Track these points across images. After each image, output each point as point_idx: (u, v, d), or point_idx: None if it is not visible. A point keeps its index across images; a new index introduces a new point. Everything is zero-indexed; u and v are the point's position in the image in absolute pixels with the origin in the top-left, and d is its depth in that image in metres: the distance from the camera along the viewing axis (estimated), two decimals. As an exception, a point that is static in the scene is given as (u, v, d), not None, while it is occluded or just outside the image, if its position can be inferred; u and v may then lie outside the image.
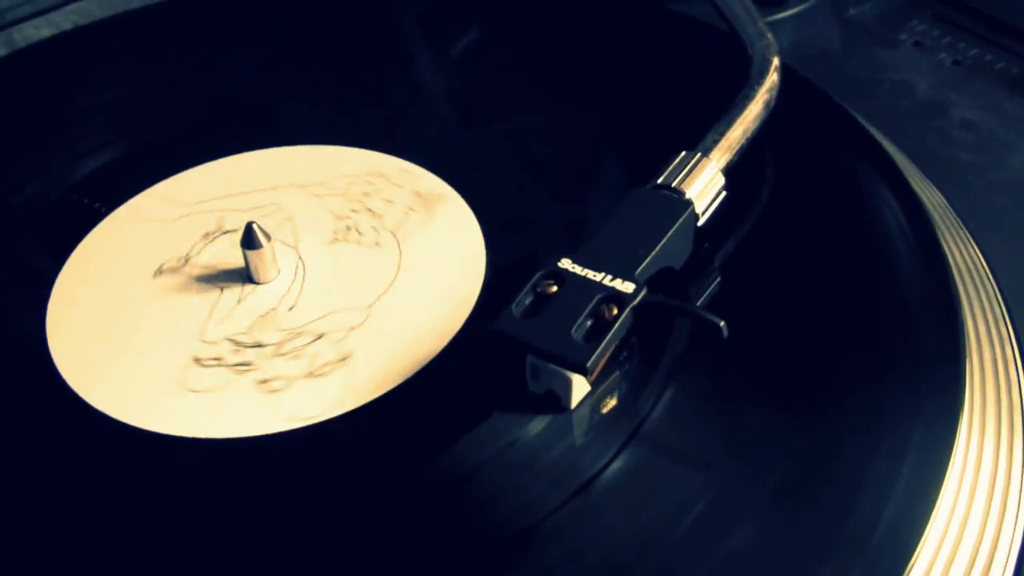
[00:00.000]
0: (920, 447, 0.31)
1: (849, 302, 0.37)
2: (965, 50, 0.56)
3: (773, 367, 0.35)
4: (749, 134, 0.40)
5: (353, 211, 0.42)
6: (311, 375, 0.35)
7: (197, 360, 0.36)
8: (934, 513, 0.29)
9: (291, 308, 0.38)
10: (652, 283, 0.33)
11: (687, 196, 0.36)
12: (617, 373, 0.34)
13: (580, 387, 0.32)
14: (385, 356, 0.35)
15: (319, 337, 0.36)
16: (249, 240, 0.38)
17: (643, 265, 0.33)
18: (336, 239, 0.41)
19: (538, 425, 0.32)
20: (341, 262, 0.40)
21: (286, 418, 0.34)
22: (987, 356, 0.37)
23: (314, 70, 0.53)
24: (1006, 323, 0.39)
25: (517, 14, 0.58)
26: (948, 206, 0.45)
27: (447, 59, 0.54)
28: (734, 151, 0.39)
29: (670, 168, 0.37)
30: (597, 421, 0.33)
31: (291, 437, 0.33)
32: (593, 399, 0.33)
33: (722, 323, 0.31)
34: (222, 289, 0.39)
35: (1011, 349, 0.37)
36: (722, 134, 0.39)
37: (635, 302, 0.32)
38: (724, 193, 0.38)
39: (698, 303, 0.37)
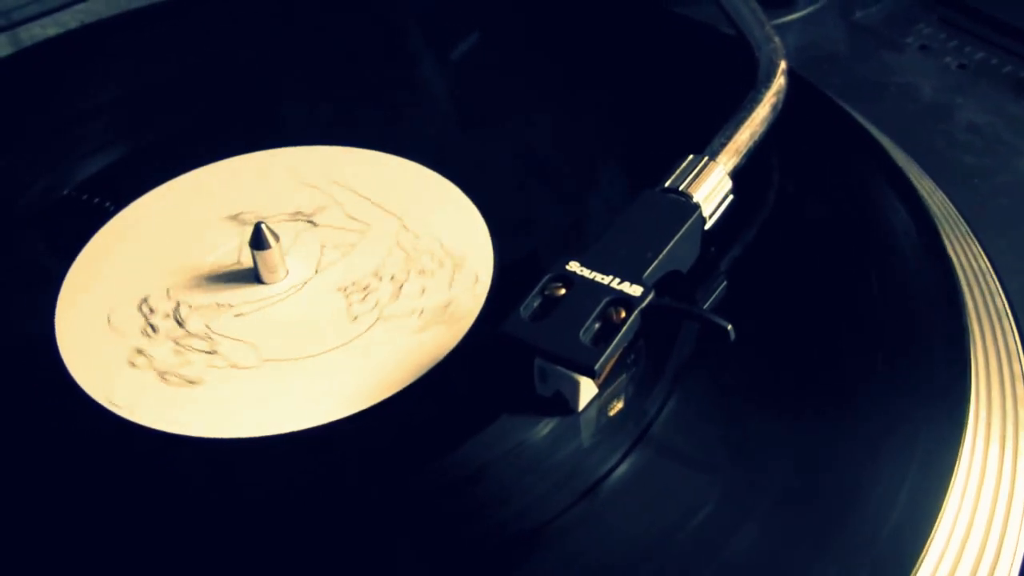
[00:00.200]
0: (925, 450, 0.31)
1: (854, 305, 0.37)
2: (971, 53, 0.56)
3: (778, 370, 0.35)
4: (756, 137, 0.40)
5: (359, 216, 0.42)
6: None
7: (205, 360, 0.36)
8: (939, 517, 0.29)
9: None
10: (659, 286, 0.33)
11: (694, 200, 0.36)
12: (624, 376, 0.34)
13: (588, 389, 0.33)
14: (393, 358, 0.36)
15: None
16: (258, 241, 0.38)
17: (651, 268, 0.34)
18: (344, 239, 0.41)
19: (545, 427, 0.33)
20: (350, 262, 0.40)
21: (294, 418, 0.34)
22: (992, 360, 0.37)
23: (322, 71, 0.53)
24: (1011, 326, 0.39)
25: (526, 17, 0.58)
26: (953, 209, 0.45)
27: (454, 61, 0.54)
28: (741, 154, 0.39)
29: (677, 171, 0.37)
30: (604, 423, 0.33)
31: (298, 438, 0.33)
32: (600, 401, 0.33)
33: (729, 326, 0.31)
34: (231, 289, 0.39)
35: (1016, 352, 0.38)
36: (729, 137, 0.39)
37: (643, 305, 0.32)
38: (731, 197, 0.38)
39: (704, 306, 0.37)
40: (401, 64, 0.54)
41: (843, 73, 0.55)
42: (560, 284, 0.33)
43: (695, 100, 0.48)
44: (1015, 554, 0.31)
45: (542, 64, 0.53)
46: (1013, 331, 0.39)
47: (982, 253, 0.42)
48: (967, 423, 0.32)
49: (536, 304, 0.33)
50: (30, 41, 0.62)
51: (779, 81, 0.42)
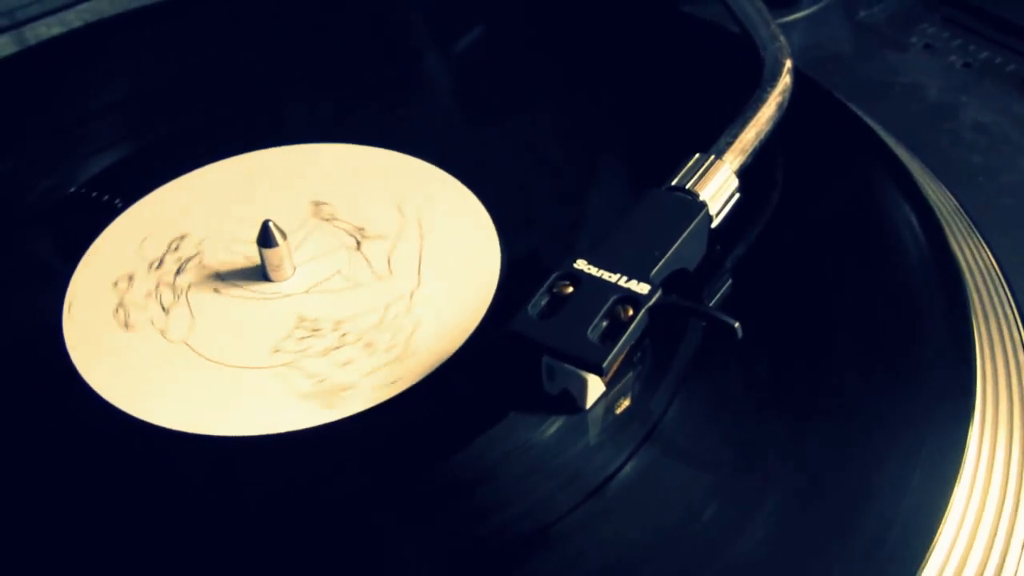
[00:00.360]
0: (931, 450, 0.31)
1: (860, 304, 0.37)
2: (975, 52, 0.56)
3: (784, 369, 0.35)
4: (762, 136, 0.40)
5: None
6: (326, 377, 0.35)
7: (213, 358, 0.36)
8: (945, 518, 0.29)
9: (309, 307, 0.38)
10: (666, 284, 0.33)
11: (701, 198, 0.36)
12: (631, 374, 0.34)
13: (595, 388, 0.33)
14: (399, 356, 0.36)
15: (339, 337, 0.37)
16: (265, 238, 0.38)
17: (658, 266, 0.34)
18: (353, 240, 0.41)
19: (553, 425, 0.33)
20: (357, 263, 0.40)
21: (300, 417, 0.34)
22: (999, 359, 0.37)
23: (327, 68, 0.53)
24: (1017, 325, 0.39)
25: (533, 16, 0.58)
26: (959, 208, 0.45)
27: (459, 53, 0.55)
28: (747, 153, 0.39)
29: (684, 170, 0.37)
30: (611, 422, 0.33)
31: (305, 436, 0.33)
32: (607, 400, 0.33)
33: (736, 324, 0.31)
34: (240, 287, 0.39)
35: (1022, 350, 0.38)
36: (735, 136, 0.39)
37: (650, 303, 0.32)
38: (738, 195, 0.38)
39: (711, 303, 0.37)
40: (406, 63, 0.54)
41: (847, 72, 0.55)
42: (568, 282, 0.33)
43: (701, 98, 0.48)
44: (1021, 556, 0.31)
45: (549, 62, 0.53)
46: (1019, 329, 0.39)
47: (988, 252, 0.42)
48: (973, 422, 0.32)
49: (544, 302, 0.33)
50: (35, 40, 0.62)
51: (785, 80, 0.42)
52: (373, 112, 0.49)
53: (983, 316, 0.38)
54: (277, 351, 0.36)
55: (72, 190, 0.45)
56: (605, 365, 0.31)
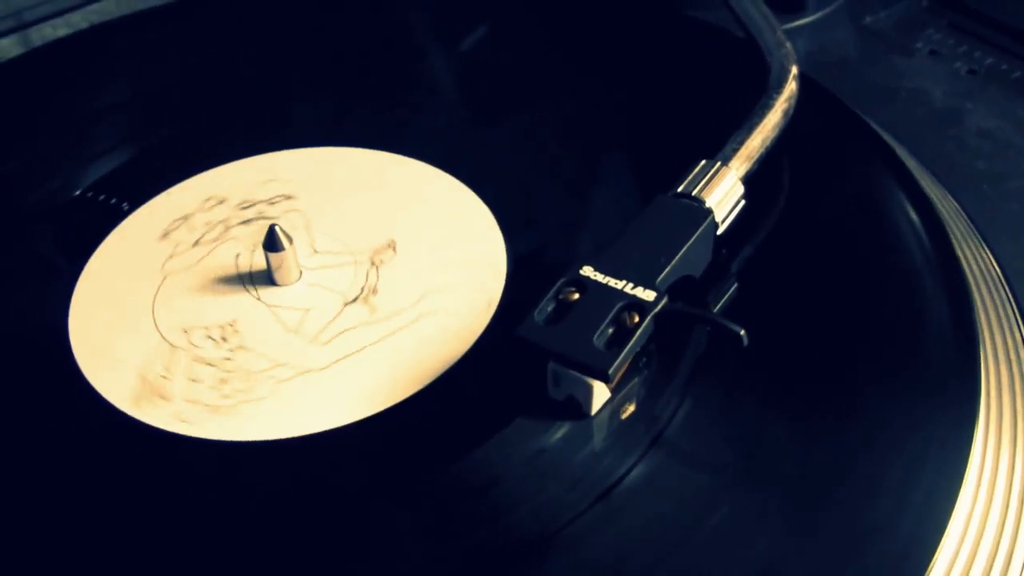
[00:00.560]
0: (936, 455, 0.31)
1: (865, 309, 0.37)
2: (981, 59, 0.56)
3: (789, 374, 0.35)
4: (768, 143, 0.40)
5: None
6: (328, 378, 0.35)
7: (217, 360, 0.36)
8: (950, 524, 0.30)
9: (313, 310, 0.38)
10: (672, 291, 0.34)
11: (707, 205, 0.36)
12: (636, 379, 0.34)
13: (601, 394, 0.33)
14: (406, 361, 0.36)
15: (342, 339, 0.37)
16: (271, 242, 0.38)
17: (664, 273, 0.34)
18: (357, 243, 0.41)
19: (558, 431, 0.33)
20: (362, 266, 0.40)
21: (305, 422, 0.34)
22: (1003, 364, 0.37)
23: (333, 71, 0.53)
24: (1021, 331, 0.39)
25: (539, 19, 0.58)
26: (964, 214, 0.45)
27: (463, 60, 0.55)
28: (753, 160, 0.39)
29: (690, 177, 0.37)
30: (617, 427, 0.33)
31: (310, 441, 0.33)
32: (613, 405, 0.33)
33: (742, 332, 0.31)
34: (244, 290, 0.39)
35: (1027, 357, 0.38)
36: (741, 143, 0.39)
37: (656, 310, 0.32)
38: (744, 202, 0.38)
39: (715, 309, 0.37)
40: (409, 66, 0.54)
41: (853, 78, 0.55)
42: (574, 289, 0.33)
43: (705, 103, 0.48)
44: (1027, 558, 0.31)
45: (553, 64, 0.53)
46: (1023, 335, 0.39)
47: (992, 258, 0.42)
48: (977, 428, 0.32)
49: (550, 308, 0.33)
50: (40, 41, 0.62)
51: (791, 86, 0.42)
52: (379, 116, 0.50)
53: (987, 322, 0.38)
54: (283, 354, 0.36)
55: (78, 192, 0.45)
56: (611, 372, 0.31)
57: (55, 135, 0.50)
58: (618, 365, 0.31)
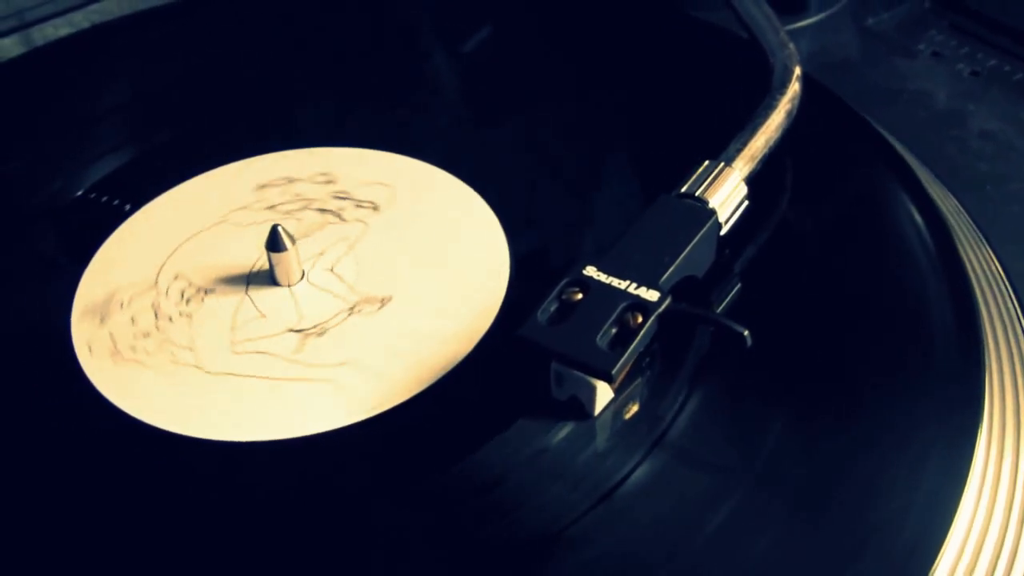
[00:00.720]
0: (940, 457, 0.31)
1: (868, 310, 0.37)
2: (983, 60, 0.56)
3: (793, 375, 0.35)
4: (771, 144, 0.40)
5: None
6: (330, 379, 0.35)
7: (221, 362, 0.36)
8: (954, 523, 0.29)
9: (314, 312, 0.38)
10: (675, 291, 0.33)
11: (710, 205, 0.36)
12: (640, 380, 0.34)
13: (604, 394, 0.33)
14: (409, 362, 0.36)
15: (344, 341, 0.37)
16: (274, 243, 0.38)
17: (667, 274, 0.34)
18: (360, 242, 0.41)
19: (561, 432, 0.33)
20: (364, 265, 0.40)
21: (307, 422, 0.34)
22: (1006, 365, 0.37)
23: (335, 71, 0.53)
24: (1024, 333, 0.39)
25: (542, 19, 0.58)
26: (967, 216, 0.45)
27: (465, 60, 0.55)
28: (756, 160, 0.39)
29: (693, 177, 0.37)
30: (620, 428, 0.33)
31: (311, 442, 0.33)
32: (616, 405, 0.33)
33: (746, 332, 0.31)
34: (245, 291, 0.39)
35: (1030, 358, 0.38)
36: (745, 143, 0.39)
37: (660, 310, 0.32)
38: (747, 203, 0.38)
39: (719, 309, 0.37)
40: (411, 66, 0.54)
41: (855, 79, 0.55)
42: (577, 289, 0.33)
43: (708, 103, 0.48)
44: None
45: (555, 64, 0.53)
46: (1026, 336, 0.39)
47: (995, 260, 0.42)
48: (981, 428, 0.32)
49: (553, 308, 0.33)
50: (42, 41, 0.62)
51: (794, 87, 0.42)
52: (381, 116, 0.49)
53: (990, 323, 0.38)
54: (283, 355, 0.36)
55: (79, 193, 0.45)
56: (614, 372, 0.31)
57: (57, 135, 0.50)
58: (621, 365, 0.31)
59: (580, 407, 0.33)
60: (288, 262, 0.38)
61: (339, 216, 0.42)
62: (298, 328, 0.37)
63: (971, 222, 0.44)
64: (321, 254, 0.40)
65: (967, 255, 0.41)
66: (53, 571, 0.30)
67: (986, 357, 0.35)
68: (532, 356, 0.32)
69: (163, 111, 0.51)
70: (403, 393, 0.34)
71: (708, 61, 0.51)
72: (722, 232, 0.37)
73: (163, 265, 0.41)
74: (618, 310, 0.32)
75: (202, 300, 0.39)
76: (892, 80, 0.55)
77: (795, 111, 0.42)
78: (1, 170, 0.48)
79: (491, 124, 0.49)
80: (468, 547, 0.30)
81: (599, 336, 0.31)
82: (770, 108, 0.41)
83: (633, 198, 0.43)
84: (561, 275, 0.34)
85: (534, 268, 0.39)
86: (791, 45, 0.45)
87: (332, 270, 0.40)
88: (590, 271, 0.33)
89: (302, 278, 0.39)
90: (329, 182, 0.44)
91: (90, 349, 0.37)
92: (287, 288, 0.39)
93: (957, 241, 0.40)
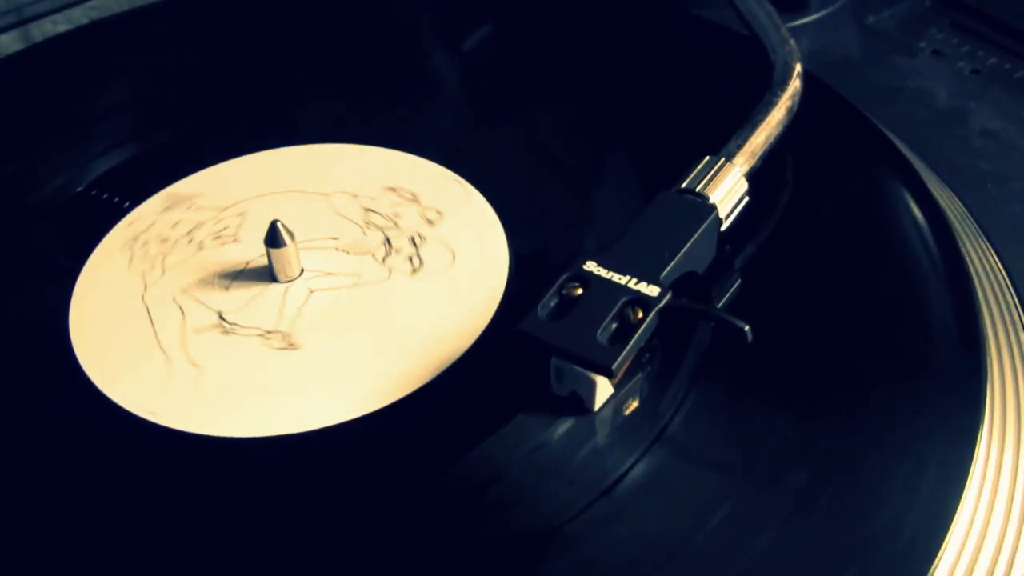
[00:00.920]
0: (941, 455, 0.31)
1: (868, 308, 0.37)
2: (984, 59, 0.56)
3: (793, 372, 0.35)
4: (772, 140, 0.40)
5: (374, 213, 0.42)
6: (328, 375, 0.35)
7: (221, 358, 0.36)
8: (954, 522, 0.29)
9: (315, 307, 0.38)
10: (675, 287, 0.33)
11: (711, 201, 0.36)
12: (640, 375, 0.34)
13: (604, 389, 0.32)
14: (408, 357, 0.35)
15: (342, 337, 0.36)
16: (273, 238, 0.38)
17: (668, 269, 0.34)
18: (361, 239, 0.41)
19: (561, 427, 0.32)
20: (364, 264, 0.40)
21: (306, 418, 0.34)
22: (1007, 364, 0.37)
23: (334, 68, 0.53)
24: (1025, 331, 0.39)
25: (542, 16, 0.58)
26: (968, 214, 0.45)
27: (466, 57, 0.55)
28: (757, 157, 0.39)
29: (694, 173, 0.37)
30: (620, 423, 0.33)
31: (311, 438, 0.33)
32: (616, 401, 0.33)
33: (746, 327, 0.31)
34: (245, 287, 0.39)
35: (1031, 357, 0.38)
36: (745, 140, 0.39)
37: (660, 305, 0.32)
38: (747, 199, 0.38)
39: (719, 305, 0.37)
40: (412, 63, 0.54)
41: (856, 77, 0.55)
42: (577, 284, 0.33)
43: (709, 100, 0.48)
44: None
45: (556, 61, 0.53)
46: (1027, 335, 0.39)
47: (996, 259, 0.42)
48: (982, 427, 0.32)
49: (553, 303, 0.33)
50: (41, 37, 0.62)
51: (794, 84, 0.42)
52: (380, 112, 0.49)
53: (991, 322, 0.38)
54: (281, 352, 0.36)
55: (79, 190, 0.45)
56: (614, 367, 0.31)
57: (55, 132, 0.49)
58: (622, 360, 0.31)
59: (580, 403, 0.33)
60: (287, 258, 0.38)
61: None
62: (296, 324, 0.37)
63: (972, 221, 0.44)
64: (320, 250, 0.40)
65: (968, 254, 0.40)
66: (53, 571, 0.30)
67: (987, 356, 0.35)
68: (532, 351, 0.32)
69: (162, 108, 0.51)
70: (402, 389, 0.34)
71: (708, 58, 0.51)
72: (722, 228, 0.37)
73: (157, 261, 0.41)
74: (618, 305, 0.32)
75: (199, 295, 0.39)
76: (893, 78, 0.55)
77: (796, 108, 0.41)
78: (-1, 167, 0.48)
79: (490, 121, 0.49)
80: (467, 543, 0.30)
81: (599, 331, 0.31)
82: (771, 105, 0.41)
83: (634, 195, 0.43)
84: (561, 271, 0.33)
85: (533, 264, 0.39)
86: (792, 42, 0.45)
87: (330, 266, 0.40)
88: (590, 266, 0.33)
89: (300, 274, 0.39)
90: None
91: (88, 346, 0.37)
92: (285, 283, 0.39)
93: (958, 240, 0.40)
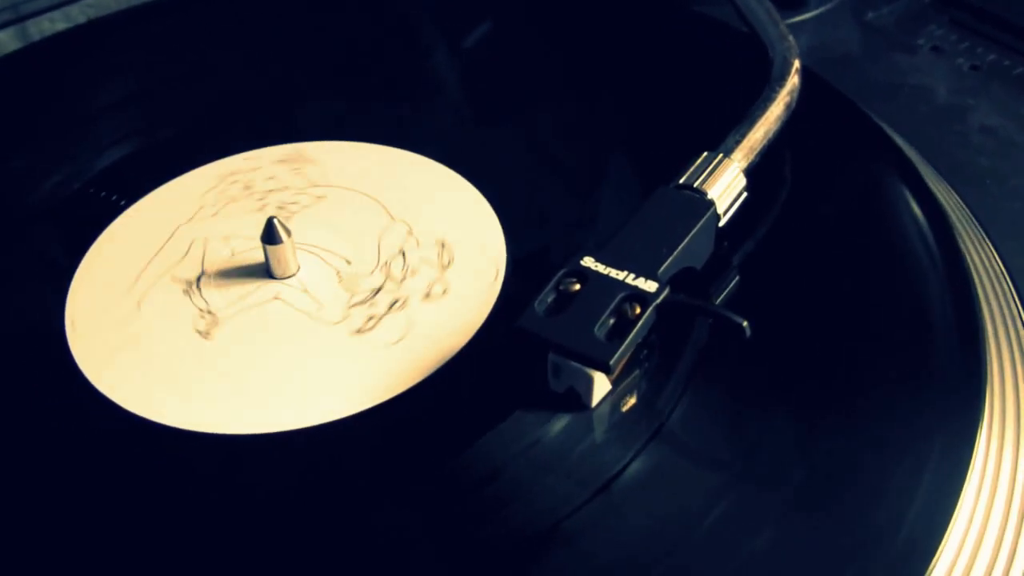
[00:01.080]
0: (940, 452, 0.31)
1: (868, 305, 0.37)
2: (983, 55, 0.56)
3: (791, 369, 0.34)
4: (770, 136, 0.40)
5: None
6: (325, 372, 0.35)
7: (221, 356, 0.36)
8: (954, 519, 0.29)
9: (312, 304, 0.38)
10: (673, 282, 0.33)
11: (709, 196, 0.36)
12: (637, 372, 0.34)
13: (601, 385, 0.32)
14: (405, 354, 0.35)
15: (340, 334, 0.36)
16: (270, 235, 0.38)
17: (666, 264, 0.33)
18: (355, 235, 0.41)
19: (559, 424, 0.32)
20: (364, 260, 0.40)
21: (304, 415, 0.33)
22: (1007, 361, 0.36)
23: (333, 65, 0.53)
24: (1025, 328, 0.39)
25: (541, 13, 0.58)
26: (967, 210, 0.45)
27: (466, 55, 0.54)
28: (755, 152, 0.39)
29: (692, 168, 0.37)
30: (617, 420, 0.33)
31: (308, 434, 0.33)
32: (614, 397, 0.33)
33: (744, 323, 0.31)
34: (242, 284, 0.39)
35: (1030, 354, 0.37)
36: (744, 135, 0.39)
37: (658, 301, 0.32)
38: (745, 194, 0.38)
39: (717, 300, 0.37)
40: (411, 61, 0.54)
41: (855, 74, 0.55)
42: (575, 279, 0.33)
43: (708, 97, 0.47)
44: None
45: (556, 59, 0.53)
46: (1027, 332, 0.38)
47: (996, 254, 0.42)
48: (982, 425, 0.32)
49: (551, 299, 0.33)
50: (39, 35, 0.62)
51: (793, 80, 0.42)
52: (378, 109, 0.49)
53: (991, 319, 0.38)
54: (277, 349, 0.36)
55: (77, 187, 0.45)
56: (612, 363, 0.30)
57: (53, 131, 0.49)
58: (619, 356, 0.31)
59: (577, 399, 0.33)
60: (283, 254, 0.38)
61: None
62: (291, 321, 0.37)
63: (972, 217, 0.44)
64: (319, 247, 0.40)
65: (968, 250, 0.40)
66: (53, 571, 0.30)
67: (987, 353, 0.35)
68: (530, 347, 0.32)
69: (159, 107, 0.51)
70: (399, 386, 0.34)
71: (707, 55, 0.51)
72: (721, 223, 0.37)
73: (152, 259, 0.41)
74: (616, 301, 0.32)
75: (195, 292, 0.39)
76: (892, 75, 0.55)
77: (794, 104, 0.41)
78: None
79: (489, 119, 0.49)
80: (464, 539, 0.30)
81: (597, 327, 0.31)
82: (769, 100, 0.40)
83: (632, 192, 0.43)
84: (558, 268, 0.33)
85: (531, 260, 0.39)
86: (790, 38, 0.45)
87: (328, 264, 0.39)
88: (588, 262, 0.33)
89: (297, 271, 0.39)
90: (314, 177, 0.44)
91: (85, 343, 0.37)
92: (282, 280, 0.39)
93: (958, 236, 0.40)
